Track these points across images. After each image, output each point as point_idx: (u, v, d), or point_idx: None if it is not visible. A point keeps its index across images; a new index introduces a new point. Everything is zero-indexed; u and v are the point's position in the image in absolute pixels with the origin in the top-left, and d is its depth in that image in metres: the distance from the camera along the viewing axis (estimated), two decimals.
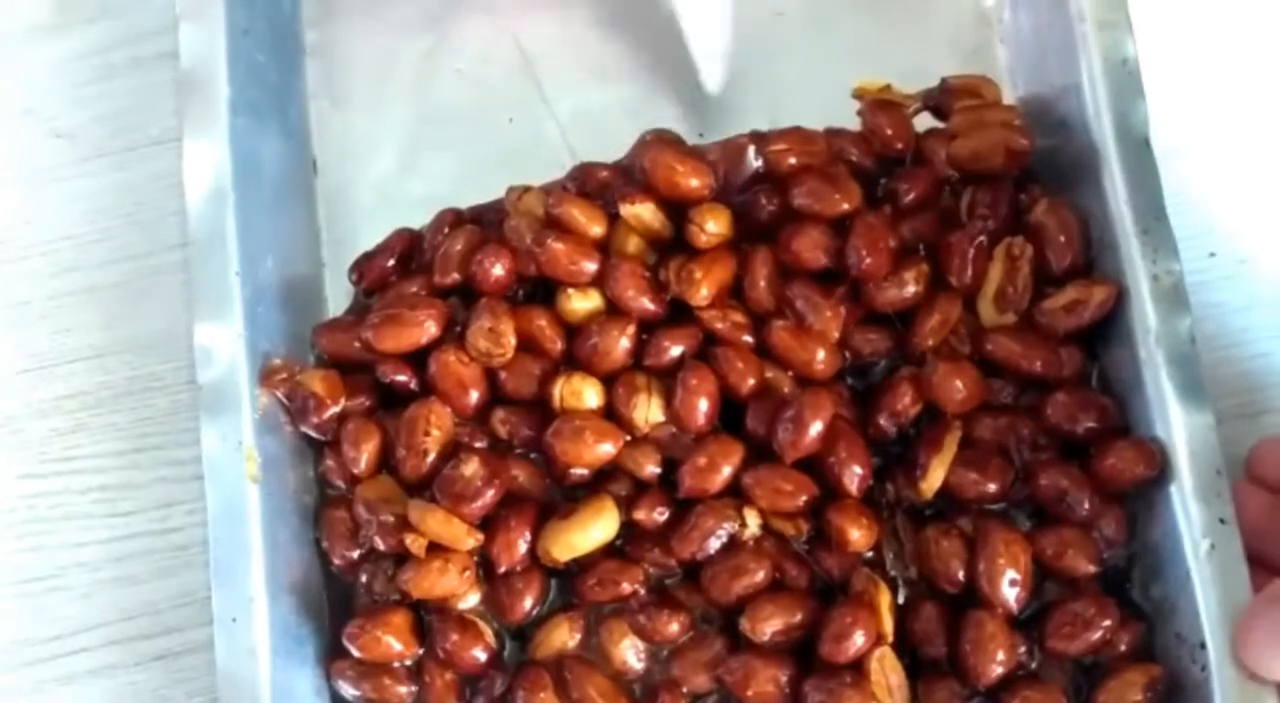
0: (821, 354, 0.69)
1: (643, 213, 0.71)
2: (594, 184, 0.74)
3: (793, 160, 0.71)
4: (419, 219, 0.77)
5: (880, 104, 0.73)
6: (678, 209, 0.71)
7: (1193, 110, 0.78)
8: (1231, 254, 0.77)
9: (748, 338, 0.71)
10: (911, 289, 0.69)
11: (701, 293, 0.70)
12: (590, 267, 0.71)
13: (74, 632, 0.78)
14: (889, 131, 0.73)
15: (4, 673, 0.78)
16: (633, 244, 0.72)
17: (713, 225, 0.70)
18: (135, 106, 0.85)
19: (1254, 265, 0.77)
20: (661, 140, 0.73)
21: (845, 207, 0.70)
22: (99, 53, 0.87)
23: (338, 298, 0.79)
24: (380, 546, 0.70)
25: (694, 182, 0.71)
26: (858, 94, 0.74)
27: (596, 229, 0.72)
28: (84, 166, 0.85)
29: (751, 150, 0.72)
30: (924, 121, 0.75)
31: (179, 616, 0.78)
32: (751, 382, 0.70)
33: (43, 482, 0.81)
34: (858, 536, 0.67)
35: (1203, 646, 0.63)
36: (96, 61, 0.86)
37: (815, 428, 0.67)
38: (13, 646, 0.79)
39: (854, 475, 0.68)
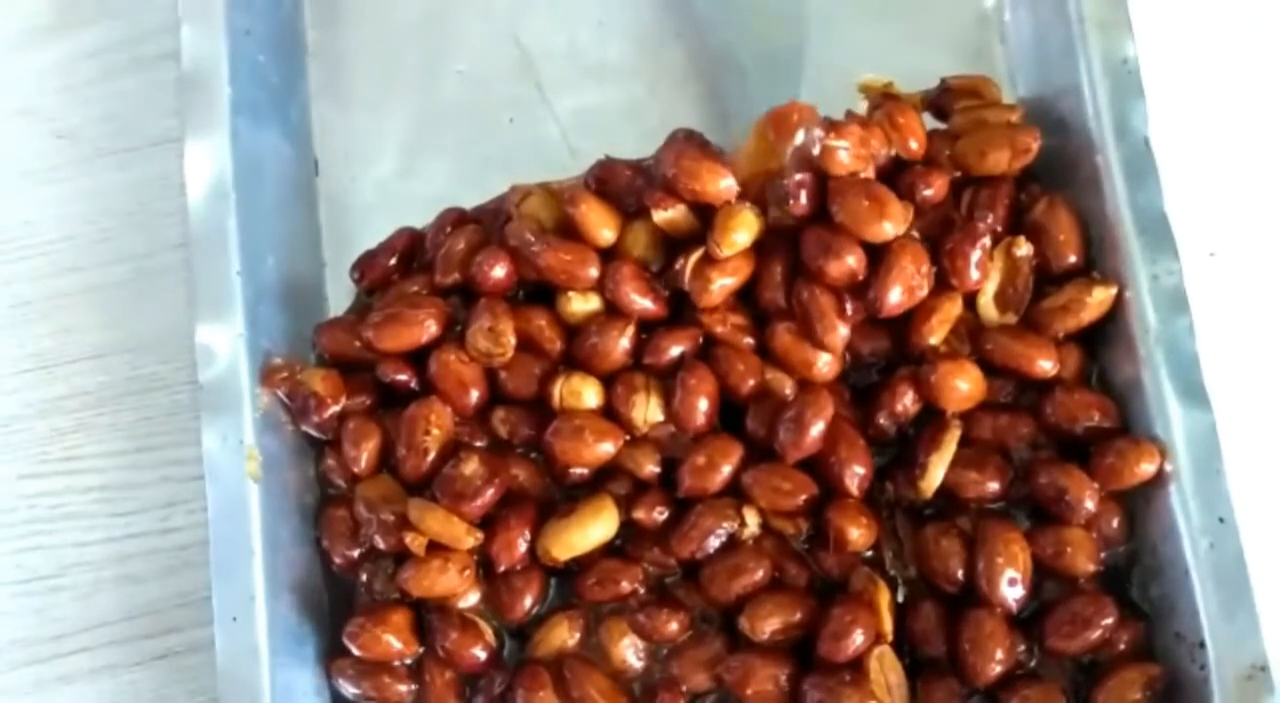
0: (824, 358, 0.69)
1: (674, 215, 0.70)
2: (616, 183, 0.73)
3: (844, 159, 0.68)
4: (420, 219, 0.78)
5: (897, 102, 0.73)
6: (704, 208, 0.71)
7: (1193, 110, 0.78)
8: (1231, 254, 0.77)
9: (748, 340, 0.71)
10: (919, 291, 0.69)
11: (711, 295, 0.70)
12: (590, 274, 0.71)
13: (75, 631, 0.79)
14: (910, 131, 0.71)
15: (5, 673, 0.79)
16: (642, 246, 0.72)
17: (733, 239, 0.69)
18: (135, 107, 0.85)
19: (1254, 265, 0.76)
20: (686, 143, 0.72)
21: (889, 234, 0.68)
22: (99, 53, 0.87)
23: (339, 297, 0.79)
24: (380, 544, 0.70)
25: (717, 186, 0.70)
26: (863, 89, 0.74)
27: (607, 233, 0.71)
28: (84, 167, 0.85)
29: (805, 134, 0.69)
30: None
31: (180, 615, 0.78)
32: (752, 382, 0.70)
33: (44, 482, 0.81)
34: (857, 535, 0.67)
35: (1202, 645, 0.63)
36: (97, 62, 0.87)
37: (816, 428, 0.67)
38: (13, 645, 0.79)
39: (855, 475, 0.68)
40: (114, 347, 0.82)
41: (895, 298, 0.68)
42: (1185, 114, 0.77)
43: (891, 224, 0.68)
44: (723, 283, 0.70)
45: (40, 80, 0.87)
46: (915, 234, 0.70)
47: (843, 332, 0.69)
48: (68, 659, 0.78)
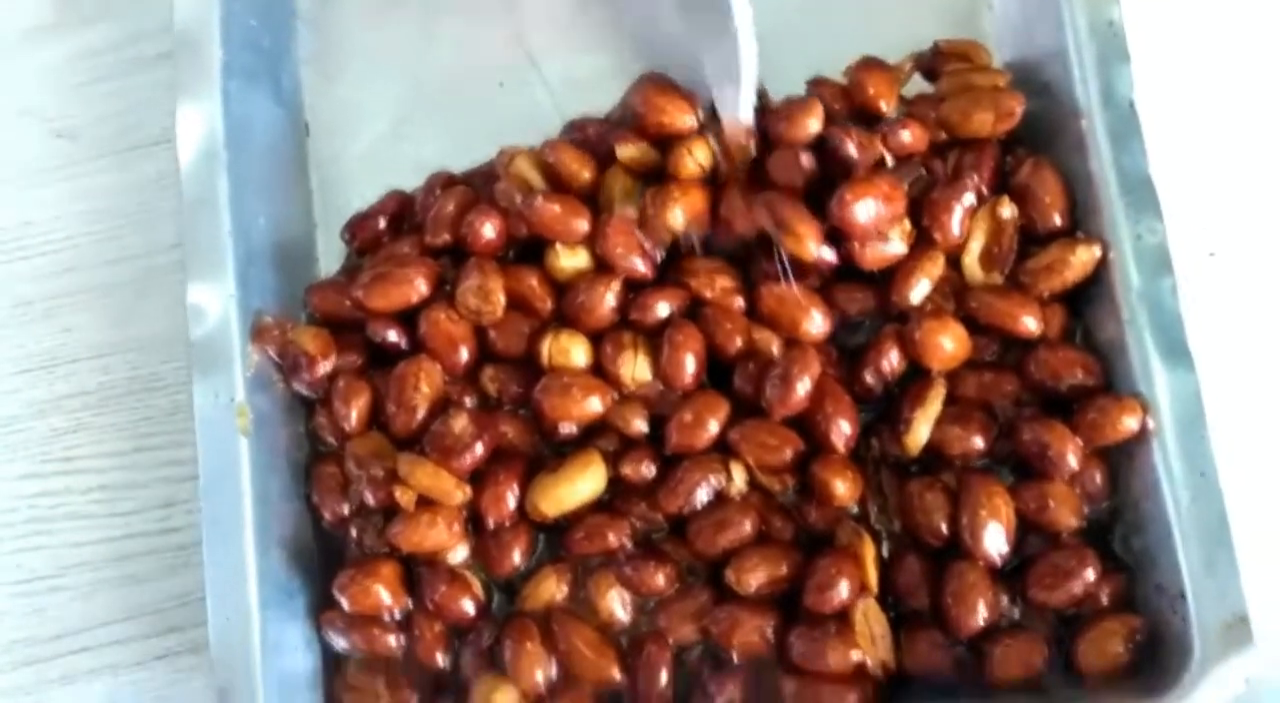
0: (814, 318, 0.70)
1: (637, 153, 0.72)
2: (585, 136, 0.75)
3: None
4: (410, 183, 0.78)
5: (867, 63, 0.74)
6: (667, 147, 0.72)
7: (1193, 110, 0.78)
8: (1231, 254, 0.77)
9: (736, 301, 0.71)
10: (897, 247, 0.70)
11: (676, 214, 0.70)
12: (579, 227, 0.71)
13: (75, 631, 0.79)
14: (871, 89, 0.72)
15: (5, 673, 0.79)
16: (621, 187, 0.72)
17: (700, 154, 0.71)
18: (136, 106, 0.86)
19: (1254, 265, 0.77)
20: (652, 80, 0.74)
21: (815, 128, 0.70)
22: (100, 53, 0.87)
23: (330, 259, 0.80)
24: (370, 500, 0.70)
25: (682, 120, 0.72)
26: None
27: (586, 174, 0.73)
28: (85, 166, 0.86)
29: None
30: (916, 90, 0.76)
31: (180, 615, 0.78)
32: (739, 341, 0.70)
33: (44, 482, 0.81)
34: (842, 489, 0.67)
35: (1183, 596, 0.64)
36: (97, 61, 0.87)
37: (803, 385, 0.68)
38: (14, 645, 0.79)
39: (841, 432, 0.68)
40: (114, 347, 0.83)
41: (863, 215, 0.68)
42: (1186, 114, 0.77)
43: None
44: (684, 199, 0.71)
45: (40, 80, 0.87)
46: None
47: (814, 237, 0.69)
48: (68, 659, 0.79)
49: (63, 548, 0.80)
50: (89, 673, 0.78)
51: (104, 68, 0.87)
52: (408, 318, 0.73)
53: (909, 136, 0.71)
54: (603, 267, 0.72)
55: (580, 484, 0.69)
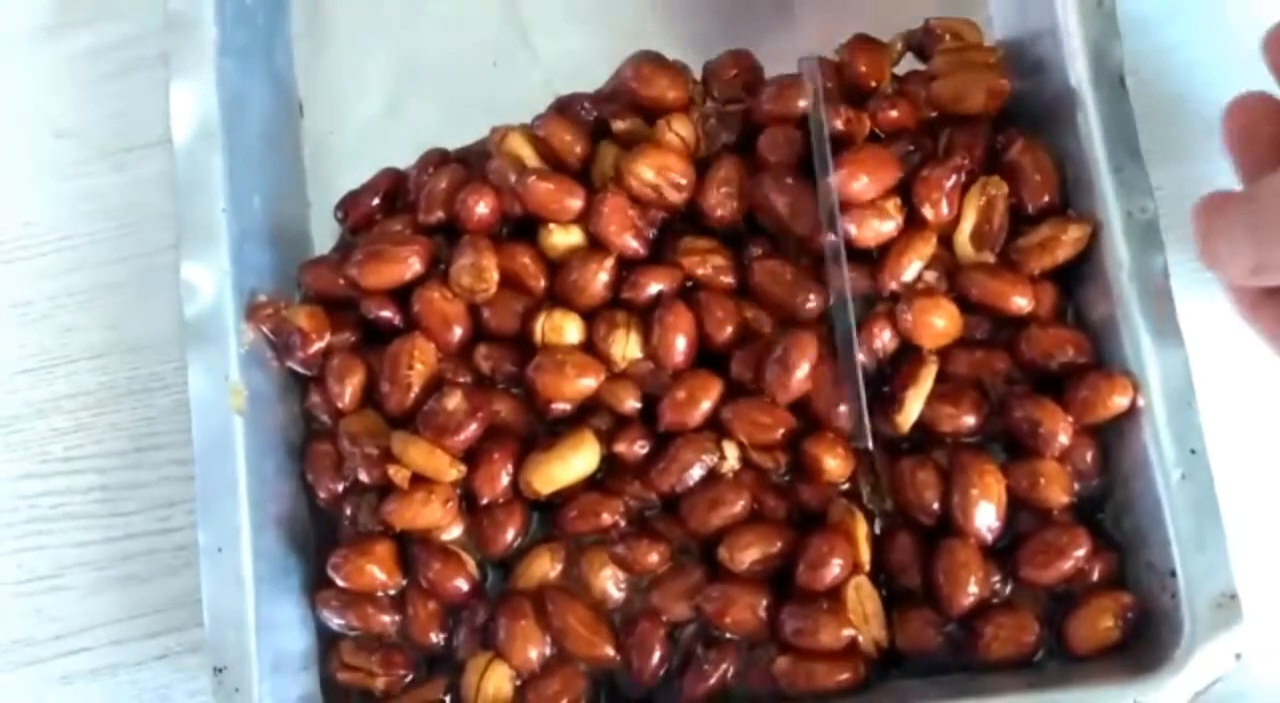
0: (810, 295, 0.70)
1: (631, 126, 0.72)
2: (575, 111, 0.75)
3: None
4: (403, 161, 0.78)
5: (859, 41, 0.74)
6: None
7: (1192, 112, 0.77)
8: None
9: (729, 280, 0.71)
10: (891, 224, 0.70)
11: (644, 171, 0.71)
12: (573, 205, 0.72)
13: (76, 631, 0.79)
14: (862, 67, 0.73)
15: (6, 673, 0.79)
16: (614, 162, 0.72)
17: (680, 128, 0.72)
18: (136, 107, 0.85)
19: None
20: (644, 55, 0.74)
21: (802, 104, 0.71)
22: (100, 53, 0.87)
23: (323, 238, 0.80)
24: (364, 478, 0.71)
25: (672, 93, 0.73)
26: None
27: (579, 149, 0.73)
28: (85, 167, 0.85)
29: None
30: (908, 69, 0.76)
31: (180, 615, 0.78)
32: (729, 331, 0.70)
33: (44, 481, 0.81)
34: (834, 465, 0.68)
35: (1173, 574, 0.64)
36: (97, 62, 0.86)
37: (803, 369, 0.68)
38: (14, 645, 0.79)
39: (840, 415, 0.68)
40: (114, 347, 0.82)
41: (861, 187, 0.69)
42: (1185, 116, 0.77)
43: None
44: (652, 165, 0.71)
45: (41, 81, 0.87)
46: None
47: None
48: (68, 659, 0.79)
49: (63, 548, 0.80)
50: (89, 673, 0.78)
51: (104, 68, 0.86)
52: (401, 296, 0.73)
53: (896, 113, 0.71)
54: (596, 244, 0.72)
55: (573, 462, 0.69)
